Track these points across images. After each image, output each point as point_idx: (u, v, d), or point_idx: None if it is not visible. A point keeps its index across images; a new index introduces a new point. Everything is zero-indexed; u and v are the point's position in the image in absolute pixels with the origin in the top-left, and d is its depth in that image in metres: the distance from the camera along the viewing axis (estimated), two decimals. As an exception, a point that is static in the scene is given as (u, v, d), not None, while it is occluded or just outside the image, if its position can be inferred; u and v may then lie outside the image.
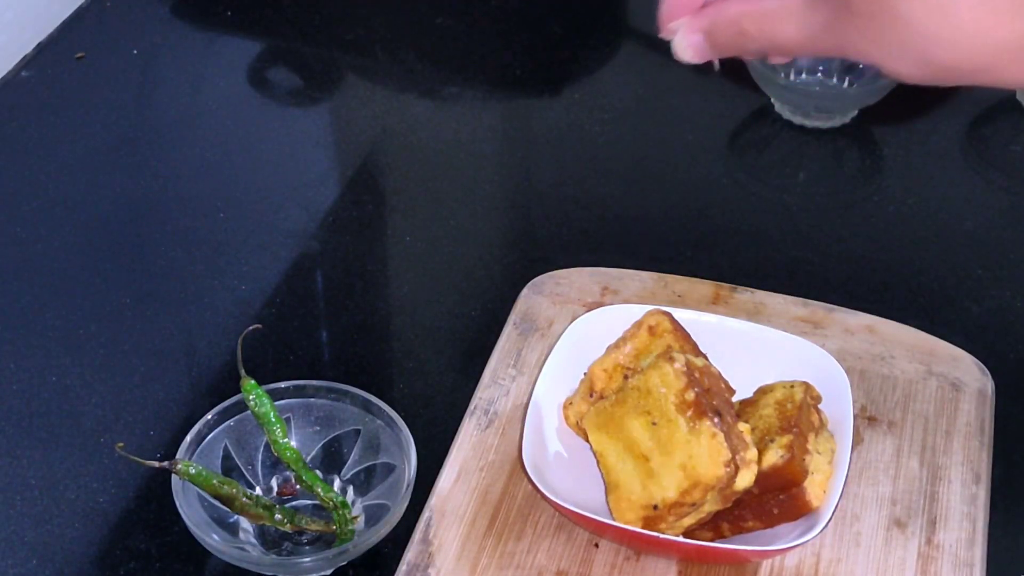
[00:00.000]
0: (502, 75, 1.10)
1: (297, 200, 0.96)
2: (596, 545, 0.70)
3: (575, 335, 0.74)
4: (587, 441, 0.69)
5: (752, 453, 0.65)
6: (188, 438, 0.72)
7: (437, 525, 0.70)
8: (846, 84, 1.04)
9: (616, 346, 0.73)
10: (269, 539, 0.71)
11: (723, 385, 0.68)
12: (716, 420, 0.64)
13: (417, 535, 0.70)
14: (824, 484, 0.67)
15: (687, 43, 0.58)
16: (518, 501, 0.72)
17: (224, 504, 0.70)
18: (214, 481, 0.70)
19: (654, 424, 0.65)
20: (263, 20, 1.15)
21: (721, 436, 0.64)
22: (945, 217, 0.95)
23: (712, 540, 0.68)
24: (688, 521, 0.66)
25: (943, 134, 1.02)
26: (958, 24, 0.50)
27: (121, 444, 0.77)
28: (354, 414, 0.74)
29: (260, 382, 0.72)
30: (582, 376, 0.73)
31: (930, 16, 0.50)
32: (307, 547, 0.71)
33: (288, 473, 0.73)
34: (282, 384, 0.74)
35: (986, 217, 0.95)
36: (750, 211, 0.96)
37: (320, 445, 0.75)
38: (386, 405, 0.73)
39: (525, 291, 0.84)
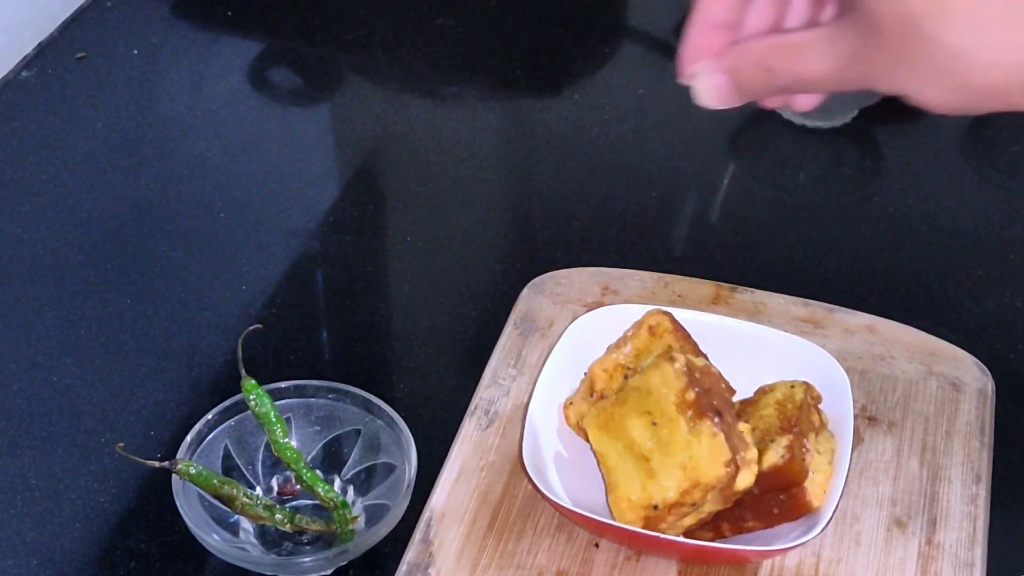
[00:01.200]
0: (502, 75, 1.10)
1: (297, 200, 0.96)
2: (596, 545, 0.70)
3: (575, 335, 0.74)
4: (587, 441, 0.69)
5: (752, 453, 0.65)
6: (188, 438, 0.72)
7: (437, 525, 0.70)
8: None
9: (616, 346, 0.73)
10: (269, 539, 0.71)
11: (723, 385, 0.68)
12: (716, 420, 0.64)
13: (417, 535, 0.70)
14: (824, 484, 0.67)
15: (710, 86, 0.56)
16: (518, 501, 0.72)
17: (224, 504, 0.70)
18: (214, 481, 0.70)
19: (654, 424, 0.65)
20: (263, 20, 1.15)
21: (721, 436, 0.64)
22: (945, 217, 0.95)
23: (712, 540, 0.68)
24: (688, 521, 0.66)
25: (943, 134, 1.02)
26: (992, 43, 0.48)
27: (121, 444, 0.77)
28: (354, 414, 0.74)
29: (260, 382, 0.72)
30: (582, 376, 0.73)
31: (962, 36, 0.48)
32: (307, 547, 0.71)
33: (288, 473, 0.73)
34: (282, 384, 0.74)
35: (986, 217, 0.95)
36: (750, 211, 0.96)
37: (320, 445, 0.75)
38: (386, 405, 0.73)
39: (525, 291, 0.84)
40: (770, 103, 0.57)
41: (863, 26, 0.50)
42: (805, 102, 0.58)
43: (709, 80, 0.56)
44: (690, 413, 0.65)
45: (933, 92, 0.50)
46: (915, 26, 0.48)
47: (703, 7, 0.56)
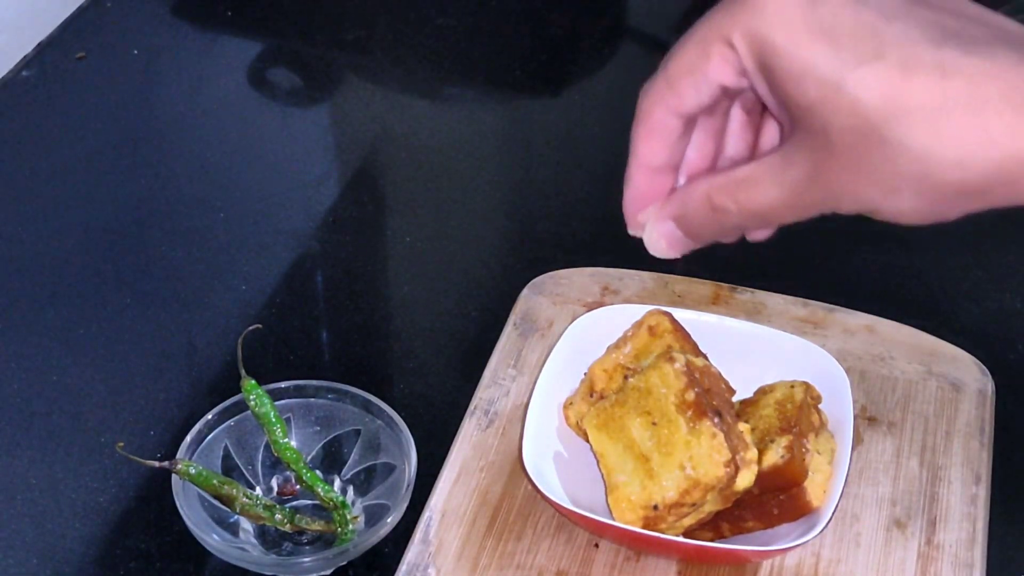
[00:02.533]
0: (502, 75, 1.10)
1: (297, 200, 0.97)
2: (596, 545, 0.70)
3: (575, 335, 0.74)
4: (587, 441, 0.69)
5: (752, 453, 0.65)
6: (188, 438, 0.72)
7: (437, 525, 0.70)
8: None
9: (616, 346, 0.73)
10: (269, 539, 0.71)
11: (723, 385, 0.68)
12: (716, 420, 0.64)
13: (417, 535, 0.70)
14: (824, 484, 0.67)
15: (659, 235, 0.53)
16: (518, 501, 0.72)
17: (224, 504, 0.70)
18: (214, 481, 0.70)
19: (654, 424, 0.65)
20: (263, 20, 1.15)
21: (721, 436, 0.64)
22: (945, 217, 0.95)
23: (712, 540, 0.68)
24: (688, 521, 0.66)
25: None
26: (959, 138, 0.43)
27: (121, 444, 0.77)
28: (354, 414, 0.74)
29: (260, 382, 0.72)
30: (582, 376, 0.73)
31: (926, 135, 0.44)
32: (307, 547, 0.71)
33: (288, 473, 0.73)
34: (282, 384, 0.74)
35: (986, 217, 0.95)
36: (750, 211, 0.96)
37: (320, 445, 0.75)
38: (386, 405, 0.73)
39: (525, 291, 0.84)
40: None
41: (814, 143, 0.46)
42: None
43: (658, 229, 0.53)
44: (690, 413, 0.65)
45: (903, 203, 0.46)
46: (872, 133, 0.44)
47: (640, 151, 0.52)
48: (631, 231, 0.55)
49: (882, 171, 0.45)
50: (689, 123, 0.52)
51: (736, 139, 0.54)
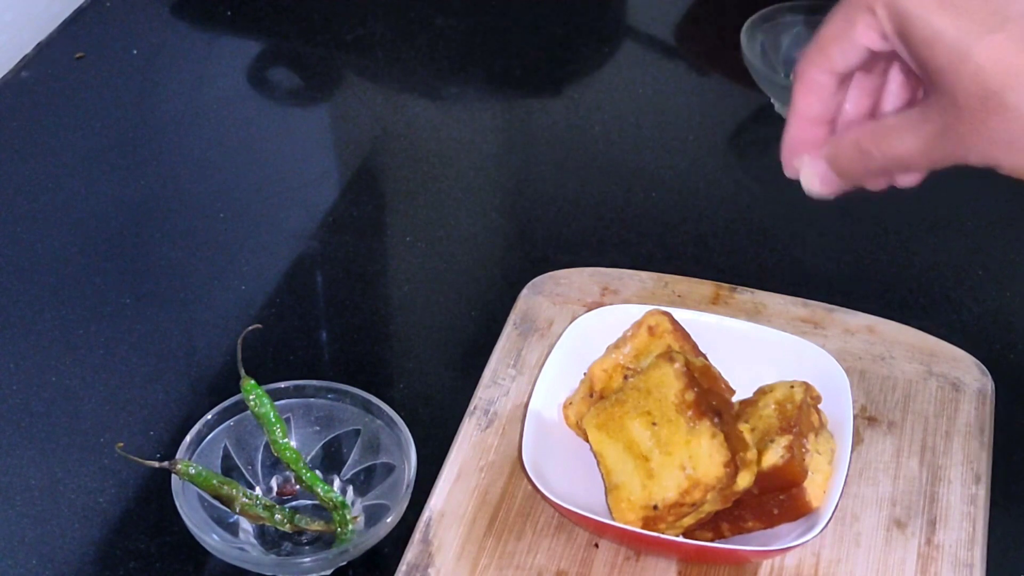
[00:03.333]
0: (502, 75, 1.10)
1: (297, 200, 0.97)
2: (596, 545, 0.70)
3: (575, 335, 0.74)
4: (587, 441, 0.69)
5: (752, 453, 0.65)
6: (188, 438, 0.72)
7: (437, 525, 0.70)
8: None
9: (616, 346, 0.73)
10: (269, 539, 0.71)
11: (723, 385, 0.68)
12: (716, 420, 0.64)
13: (417, 535, 0.70)
14: (824, 484, 0.67)
15: (813, 174, 0.59)
16: (518, 501, 0.72)
17: (224, 504, 0.70)
18: (214, 481, 0.70)
19: (654, 424, 0.65)
20: (263, 20, 1.15)
21: (721, 436, 0.64)
22: (945, 217, 0.95)
23: (712, 540, 0.68)
24: (688, 521, 0.66)
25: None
26: None
27: (121, 444, 0.77)
28: (354, 414, 0.74)
29: (260, 382, 0.72)
30: (582, 376, 0.73)
31: None
32: (307, 547, 0.71)
33: (288, 473, 0.73)
34: (282, 384, 0.74)
35: (986, 217, 0.95)
36: (750, 211, 0.96)
37: (320, 445, 0.75)
38: (386, 405, 0.73)
39: (525, 291, 0.84)
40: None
41: (945, 103, 0.52)
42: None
43: (812, 169, 0.59)
44: (690, 413, 0.65)
45: (1020, 160, 0.52)
46: (993, 98, 0.50)
47: (799, 104, 0.59)
48: (787, 172, 0.61)
49: (1002, 132, 0.51)
50: (842, 81, 0.58)
51: (894, 97, 0.60)
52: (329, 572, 0.70)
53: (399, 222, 0.95)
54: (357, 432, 0.74)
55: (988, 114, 0.51)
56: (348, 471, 0.74)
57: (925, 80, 0.54)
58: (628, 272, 0.85)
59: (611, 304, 0.79)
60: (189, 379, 0.82)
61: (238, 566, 0.69)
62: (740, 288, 0.84)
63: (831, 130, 0.60)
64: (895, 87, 0.60)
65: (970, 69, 0.51)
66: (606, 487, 0.67)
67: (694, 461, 0.64)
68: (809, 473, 0.67)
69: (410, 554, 0.69)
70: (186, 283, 0.89)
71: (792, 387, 0.70)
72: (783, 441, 0.67)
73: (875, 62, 0.58)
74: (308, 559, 0.68)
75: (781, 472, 0.66)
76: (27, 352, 0.84)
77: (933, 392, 0.78)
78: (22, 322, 0.86)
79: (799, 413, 0.68)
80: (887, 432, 0.76)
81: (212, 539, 0.68)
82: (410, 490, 0.70)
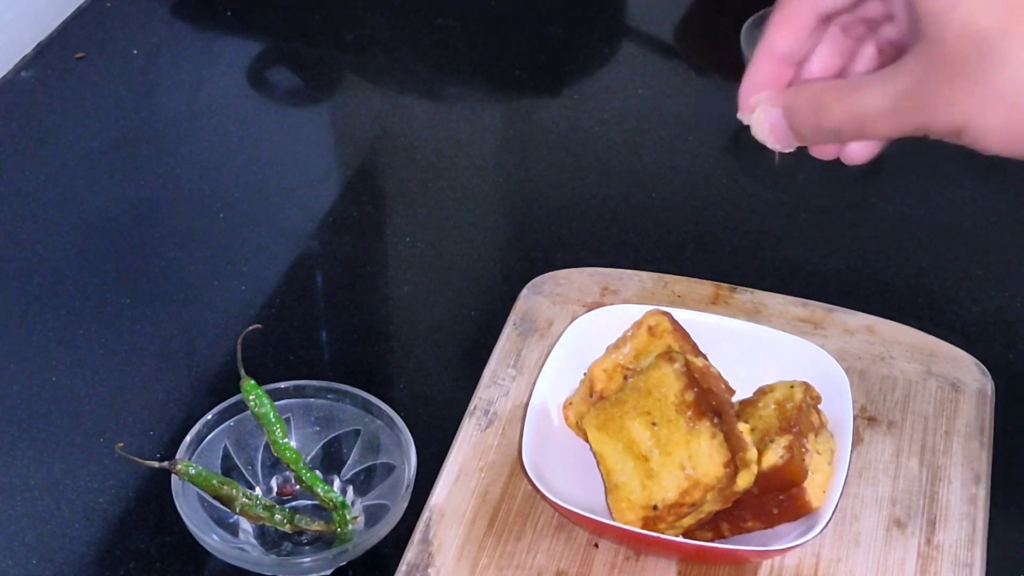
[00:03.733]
0: (502, 75, 1.10)
1: (297, 200, 0.97)
2: (596, 545, 0.70)
3: (575, 335, 0.74)
4: (587, 441, 0.69)
5: (752, 453, 0.65)
6: (188, 438, 0.72)
7: (437, 525, 0.70)
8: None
9: (616, 346, 0.73)
10: (269, 539, 0.71)
11: (723, 385, 0.68)
12: (716, 420, 0.64)
13: (417, 535, 0.70)
14: (824, 484, 0.67)
15: (765, 119, 0.57)
16: (518, 501, 0.72)
17: (224, 504, 0.70)
18: (214, 481, 0.70)
19: (654, 424, 0.65)
20: (263, 20, 1.15)
21: (721, 436, 0.64)
22: (945, 217, 0.95)
23: (712, 540, 0.68)
24: (688, 521, 0.66)
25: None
26: None
27: (121, 444, 0.77)
28: (354, 414, 0.74)
29: (260, 382, 0.72)
30: (582, 376, 0.73)
31: None
32: (307, 547, 0.71)
33: (288, 473, 0.73)
34: (282, 384, 0.74)
35: (986, 217, 0.95)
36: (750, 211, 0.96)
37: (320, 445, 0.75)
38: (386, 405, 0.73)
39: (525, 291, 0.84)
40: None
41: (927, 51, 0.50)
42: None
43: (765, 114, 0.56)
44: (689, 413, 0.65)
45: (992, 120, 0.49)
46: (983, 44, 0.48)
47: (771, 37, 0.57)
48: (740, 114, 0.58)
49: (983, 82, 0.48)
50: (821, 23, 0.56)
51: (865, 62, 0.58)
52: (329, 572, 0.70)
53: (399, 222, 0.95)
54: (357, 432, 0.74)
55: (972, 61, 0.48)
56: (348, 471, 0.74)
57: (910, 28, 0.51)
58: (628, 272, 0.85)
59: (611, 304, 0.79)
60: (189, 379, 0.82)
61: (238, 566, 0.69)
62: (740, 288, 0.84)
63: (795, 78, 0.57)
64: (867, 57, 0.57)
65: (963, 12, 0.48)
66: (606, 487, 0.67)
67: (694, 461, 0.64)
68: (809, 473, 0.67)
69: (410, 554, 0.69)
70: (186, 283, 0.89)
71: (792, 387, 0.70)
72: (783, 441, 0.67)
73: (855, 19, 0.56)
74: (308, 559, 0.68)
75: (781, 472, 0.66)
76: (27, 352, 0.84)
77: (933, 392, 0.78)
78: (22, 322, 0.86)
79: (799, 413, 0.68)
80: (887, 432, 0.76)
81: (212, 539, 0.68)
82: (410, 490, 0.70)
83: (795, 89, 0.56)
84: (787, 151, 0.57)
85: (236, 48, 1.12)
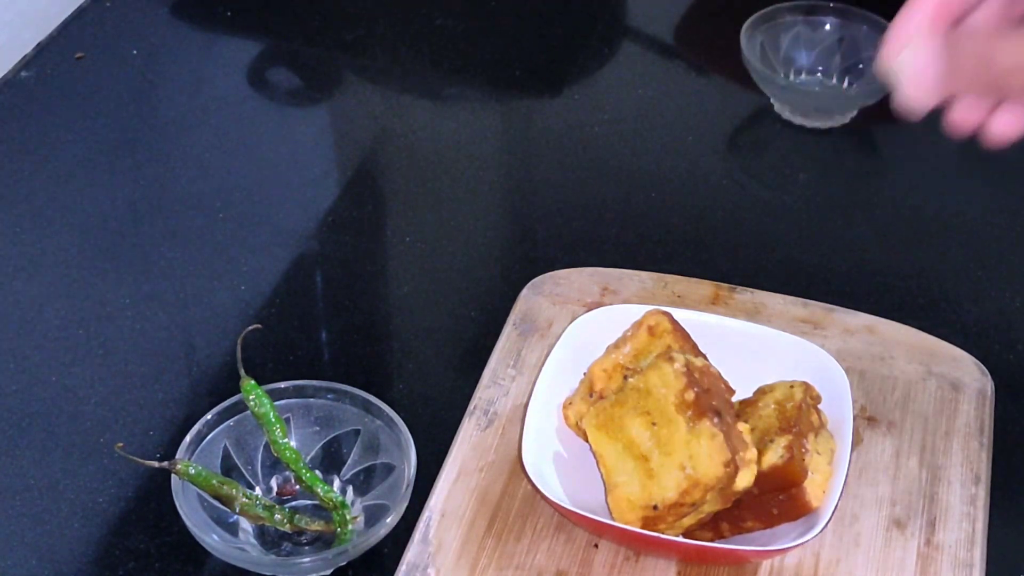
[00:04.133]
0: (502, 75, 1.10)
1: (297, 200, 0.97)
2: (596, 545, 0.70)
3: (575, 335, 0.74)
4: (587, 441, 0.69)
5: (752, 453, 0.65)
6: (188, 438, 0.72)
7: (437, 525, 0.70)
8: (846, 84, 1.04)
9: (616, 346, 0.73)
10: (269, 539, 0.71)
11: (723, 385, 0.68)
12: (716, 420, 0.64)
13: (417, 535, 0.70)
14: (824, 484, 0.67)
15: (919, 64, 0.49)
16: (518, 501, 0.72)
17: (224, 504, 0.70)
18: (214, 481, 0.70)
19: (654, 424, 0.65)
20: (263, 20, 1.15)
21: (721, 436, 0.64)
22: (945, 217, 0.95)
23: (712, 540, 0.68)
24: (688, 521, 0.66)
25: (943, 134, 1.02)
26: None
27: (121, 444, 0.77)
28: (354, 414, 0.74)
29: (260, 382, 0.72)
30: (582, 376, 0.73)
31: None
32: (307, 547, 0.71)
33: (288, 473, 0.73)
34: (282, 384, 0.74)
35: (986, 217, 0.95)
36: (750, 211, 0.96)
37: (320, 445, 0.75)
38: (386, 405, 0.73)
39: (525, 291, 0.84)
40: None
41: None
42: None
43: (920, 57, 0.49)
44: (689, 413, 0.65)
45: None
46: None
47: None
48: (883, 58, 0.51)
49: None
50: None
51: None
52: (329, 572, 0.70)
53: (399, 222, 0.95)
54: (357, 432, 0.74)
55: None
56: (348, 471, 0.74)
57: None
58: (628, 272, 0.85)
59: (611, 304, 0.79)
60: (189, 379, 0.82)
61: (238, 566, 0.69)
62: (740, 288, 0.84)
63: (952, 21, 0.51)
64: None
65: None
66: (606, 487, 0.67)
67: (694, 461, 0.64)
68: (809, 473, 0.67)
69: (410, 554, 0.69)
70: (186, 283, 0.89)
71: (792, 387, 0.70)
72: (783, 441, 0.67)
73: None
74: (308, 559, 0.68)
75: (781, 472, 0.66)
76: (27, 352, 0.84)
77: (933, 392, 0.78)
78: (22, 322, 0.86)
79: (799, 413, 0.68)
80: (887, 432, 0.76)
81: (212, 539, 0.68)
82: (410, 490, 0.70)
83: (961, 31, 0.50)
84: (921, 107, 0.51)
85: (236, 48, 1.12)
